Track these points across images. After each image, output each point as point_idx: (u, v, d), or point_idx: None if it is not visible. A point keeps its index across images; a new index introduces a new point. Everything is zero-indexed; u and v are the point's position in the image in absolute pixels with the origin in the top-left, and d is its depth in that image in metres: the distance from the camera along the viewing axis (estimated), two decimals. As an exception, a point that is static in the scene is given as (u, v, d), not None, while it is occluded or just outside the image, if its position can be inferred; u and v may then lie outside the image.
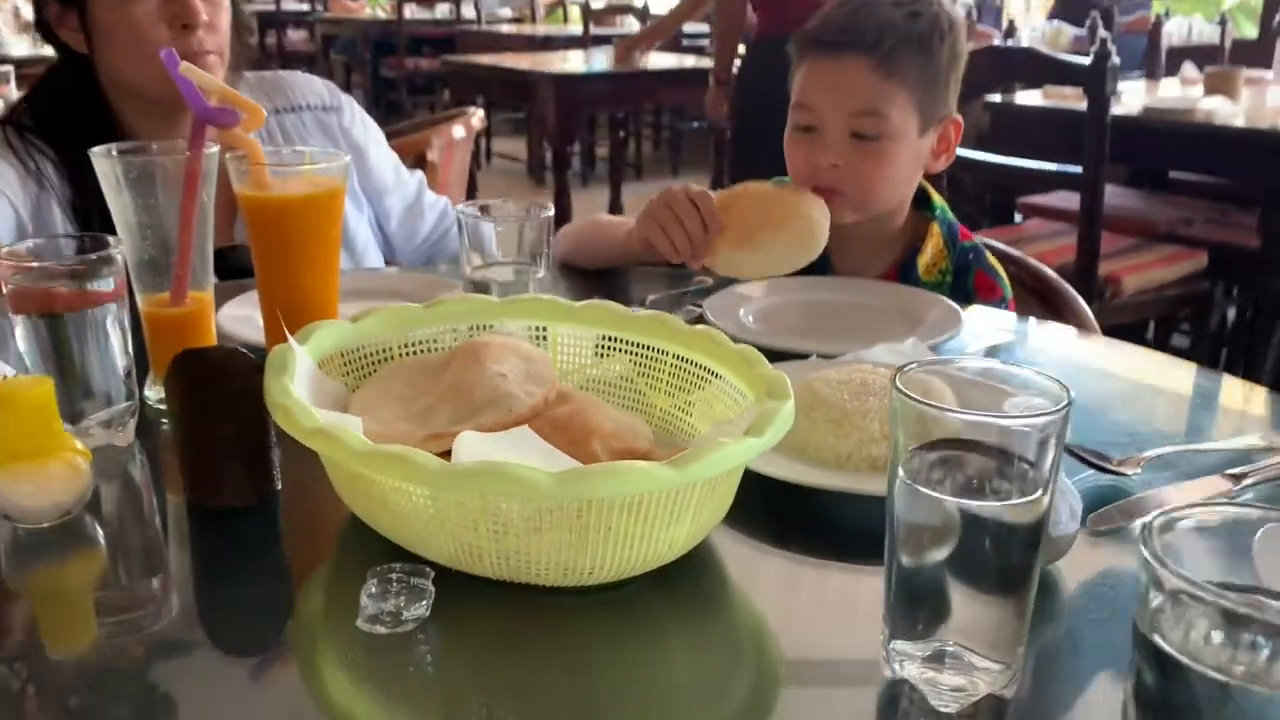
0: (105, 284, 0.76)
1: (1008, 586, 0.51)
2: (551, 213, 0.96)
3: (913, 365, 0.53)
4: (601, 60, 4.53)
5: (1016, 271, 1.33)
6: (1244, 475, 0.74)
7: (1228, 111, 2.66)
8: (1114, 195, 2.63)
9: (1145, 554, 0.40)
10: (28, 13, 5.76)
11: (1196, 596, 0.39)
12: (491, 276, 0.96)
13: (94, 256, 0.75)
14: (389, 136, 1.55)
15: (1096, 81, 2.19)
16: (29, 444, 0.67)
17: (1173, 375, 1.05)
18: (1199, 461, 0.78)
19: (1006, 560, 0.50)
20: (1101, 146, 2.23)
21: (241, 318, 1.00)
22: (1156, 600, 0.41)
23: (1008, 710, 0.52)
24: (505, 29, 6.66)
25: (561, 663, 0.56)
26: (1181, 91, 3.11)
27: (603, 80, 4.36)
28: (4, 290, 0.75)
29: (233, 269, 1.18)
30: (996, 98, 2.85)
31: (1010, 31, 4.36)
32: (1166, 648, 0.39)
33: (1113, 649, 0.56)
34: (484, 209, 0.96)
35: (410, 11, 6.81)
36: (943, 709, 0.52)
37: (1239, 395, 1.02)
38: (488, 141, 6.31)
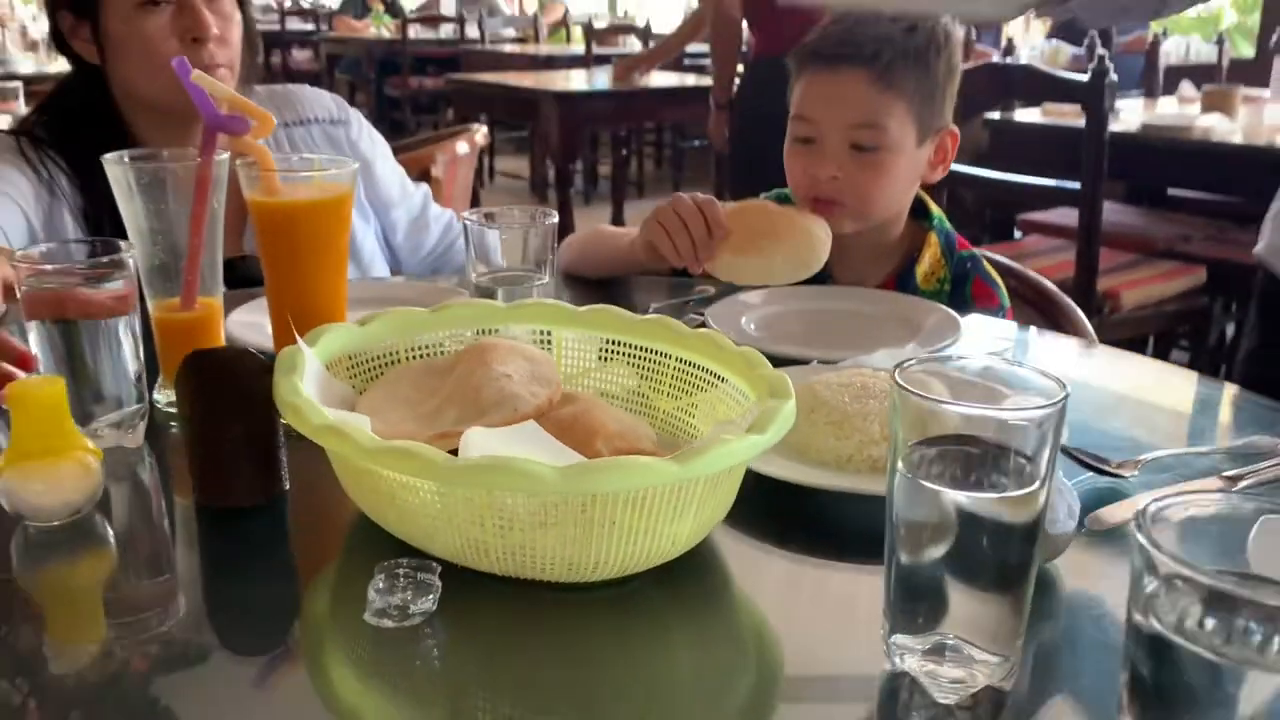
0: (117, 288, 0.77)
1: (1006, 580, 0.52)
2: (555, 219, 0.97)
3: (912, 362, 0.54)
4: (604, 79, 4.57)
5: (1016, 285, 1.34)
6: (1240, 477, 0.75)
7: (1225, 129, 2.68)
8: (1112, 212, 2.65)
9: (1140, 539, 0.41)
10: (35, 31, 5.82)
11: (1190, 580, 0.40)
12: (496, 283, 0.97)
13: (105, 259, 0.76)
14: (394, 153, 1.56)
15: (1095, 98, 2.20)
16: (41, 443, 0.68)
17: (1172, 383, 1.06)
18: (1196, 464, 0.79)
19: (1005, 554, 0.51)
20: (1100, 163, 2.24)
21: (250, 324, 1.01)
22: (1150, 585, 0.41)
23: (1006, 701, 0.53)
24: (508, 49, 6.68)
25: (565, 658, 0.57)
26: (1179, 109, 3.13)
27: (605, 98, 4.39)
28: (18, 296, 0.76)
29: (242, 279, 1.19)
30: (996, 115, 2.87)
31: (1009, 50, 4.39)
32: (1160, 628, 0.40)
33: (1109, 644, 0.57)
34: (489, 216, 0.97)
35: (415, 31, 6.85)
36: (943, 700, 0.52)
37: (1237, 402, 1.02)
38: (491, 159, 6.34)
